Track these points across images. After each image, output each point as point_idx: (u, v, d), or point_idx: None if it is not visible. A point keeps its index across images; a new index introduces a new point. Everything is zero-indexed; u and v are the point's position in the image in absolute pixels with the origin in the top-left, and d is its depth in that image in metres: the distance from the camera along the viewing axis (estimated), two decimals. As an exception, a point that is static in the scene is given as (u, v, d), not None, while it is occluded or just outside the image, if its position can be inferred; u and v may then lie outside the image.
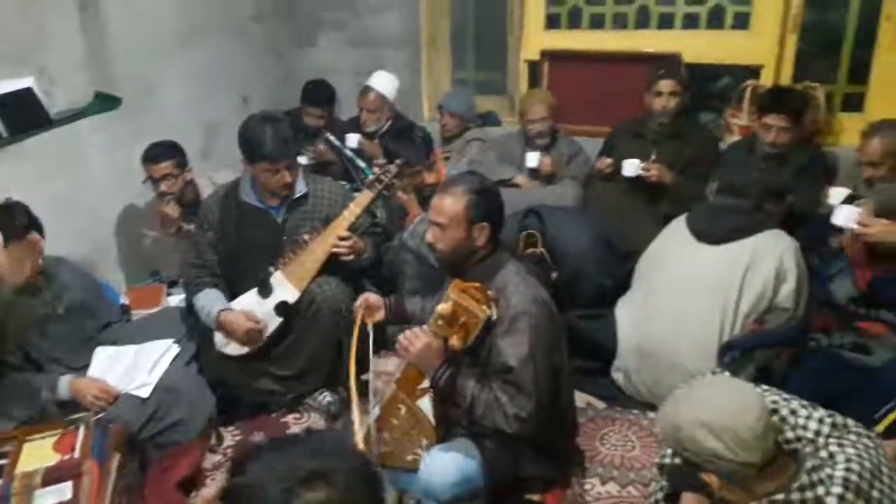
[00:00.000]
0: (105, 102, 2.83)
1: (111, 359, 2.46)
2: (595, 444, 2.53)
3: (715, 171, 2.95)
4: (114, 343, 2.55)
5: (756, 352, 2.38)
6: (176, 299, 3.01)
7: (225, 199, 2.71)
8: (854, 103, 3.61)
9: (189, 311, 2.76)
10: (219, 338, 2.62)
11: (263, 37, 4.24)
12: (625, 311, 2.76)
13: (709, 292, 2.51)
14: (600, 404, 2.76)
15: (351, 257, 2.59)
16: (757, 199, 2.57)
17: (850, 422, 1.53)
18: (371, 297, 2.27)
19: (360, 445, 1.92)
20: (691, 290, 2.54)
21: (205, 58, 3.80)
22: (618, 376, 2.75)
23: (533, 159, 3.57)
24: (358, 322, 2.21)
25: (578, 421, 2.39)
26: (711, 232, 2.58)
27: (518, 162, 3.69)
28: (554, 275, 2.89)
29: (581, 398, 2.71)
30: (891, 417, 1.93)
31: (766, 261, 2.47)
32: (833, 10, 3.56)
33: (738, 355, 2.38)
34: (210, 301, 2.62)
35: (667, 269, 2.66)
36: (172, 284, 3.14)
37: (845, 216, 2.44)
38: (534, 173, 3.62)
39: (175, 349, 2.53)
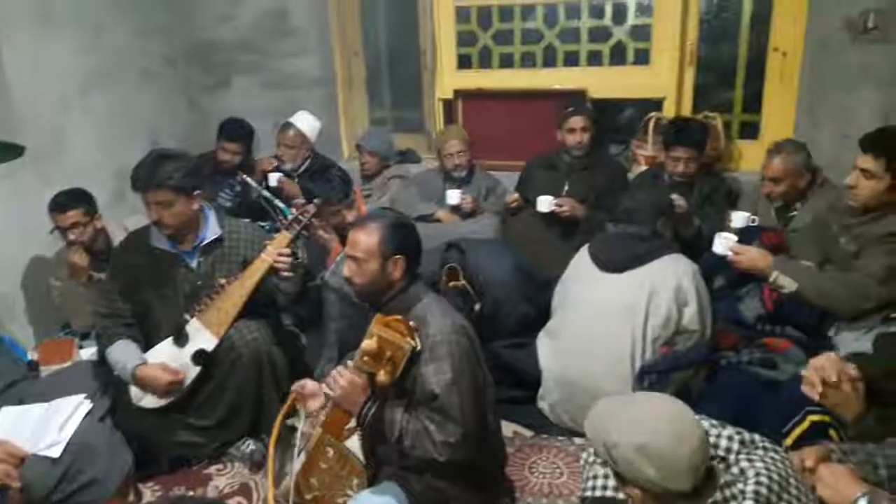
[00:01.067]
0: (5, 151, 2.72)
1: (18, 418, 2.34)
2: (524, 474, 2.54)
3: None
4: (20, 402, 2.43)
5: (673, 374, 2.45)
6: (88, 352, 2.90)
7: (136, 245, 2.64)
8: (750, 131, 3.83)
9: (102, 363, 2.66)
10: (134, 391, 2.52)
11: (174, 80, 4.19)
12: (544, 343, 2.80)
13: (617, 320, 2.56)
14: (527, 433, 2.77)
15: (290, 275, 2.54)
16: (651, 222, 2.63)
17: (756, 437, 1.58)
18: (309, 383, 2.17)
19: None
20: (601, 319, 2.59)
21: (114, 102, 3.74)
22: (543, 405, 2.78)
23: (454, 197, 3.63)
24: (288, 403, 2.14)
25: (507, 451, 2.41)
26: (611, 261, 2.63)
27: (438, 197, 3.75)
28: (477, 306, 2.93)
29: (508, 428, 2.72)
30: (798, 430, 2.00)
31: (666, 286, 2.53)
32: (726, 44, 3.79)
33: (655, 379, 2.45)
34: (124, 354, 2.53)
35: (576, 301, 2.71)
36: (84, 337, 3.02)
37: (722, 245, 2.63)
38: (455, 209, 3.68)
39: (87, 405, 2.42)
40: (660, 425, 1.43)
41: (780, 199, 3.01)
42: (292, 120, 3.84)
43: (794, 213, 2.99)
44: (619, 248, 2.64)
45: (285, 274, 2.54)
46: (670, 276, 2.55)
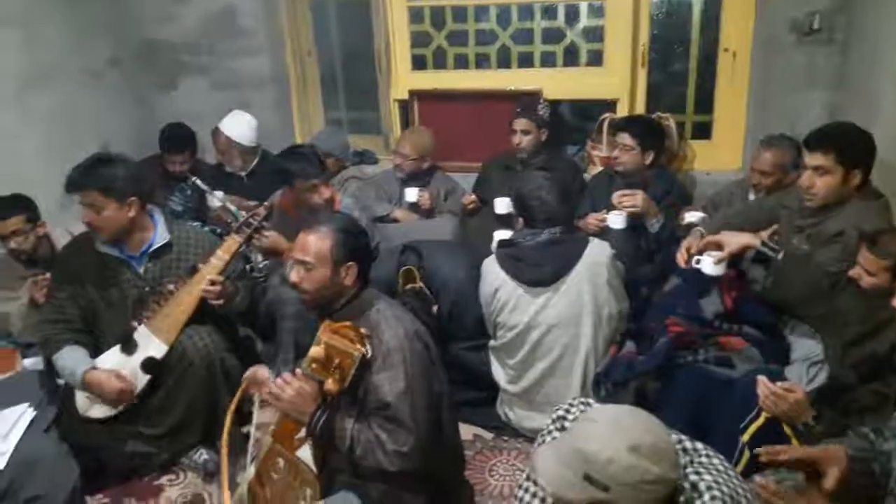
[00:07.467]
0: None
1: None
2: (485, 476, 2.53)
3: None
4: (-42, 415, 2.33)
5: (630, 382, 2.42)
6: (32, 362, 2.79)
7: (81, 248, 2.56)
8: (703, 131, 3.89)
9: (48, 372, 2.57)
10: (81, 400, 2.44)
11: (122, 81, 4.09)
12: (494, 358, 2.76)
13: (568, 332, 2.55)
14: (488, 435, 2.76)
15: (221, 302, 2.48)
16: (564, 217, 2.60)
17: (699, 445, 1.53)
18: (260, 371, 2.14)
19: None
20: (550, 338, 2.56)
21: (59, 103, 3.62)
22: (502, 412, 2.75)
23: (412, 194, 3.62)
24: (241, 390, 2.12)
25: (466, 454, 2.39)
26: (538, 279, 2.56)
27: (395, 198, 3.72)
28: (435, 308, 2.90)
29: (469, 430, 2.71)
30: (754, 426, 2.03)
31: (601, 283, 2.54)
32: (678, 46, 3.84)
33: (612, 389, 2.44)
34: (74, 360, 2.45)
35: (516, 325, 2.61)
36: (29, 346, 2.91)
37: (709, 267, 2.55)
38: (413, 207, 3.65)
39: (30, 414, 2.35)
40: (634, 421, 1.37)
41: (764, 191, 3.02)
42: (220, 125, 3.75)
43: None
44: (541, 262, 2.55)
45: (215, 302, 2.47)
46: (601, 272, 2.55)
